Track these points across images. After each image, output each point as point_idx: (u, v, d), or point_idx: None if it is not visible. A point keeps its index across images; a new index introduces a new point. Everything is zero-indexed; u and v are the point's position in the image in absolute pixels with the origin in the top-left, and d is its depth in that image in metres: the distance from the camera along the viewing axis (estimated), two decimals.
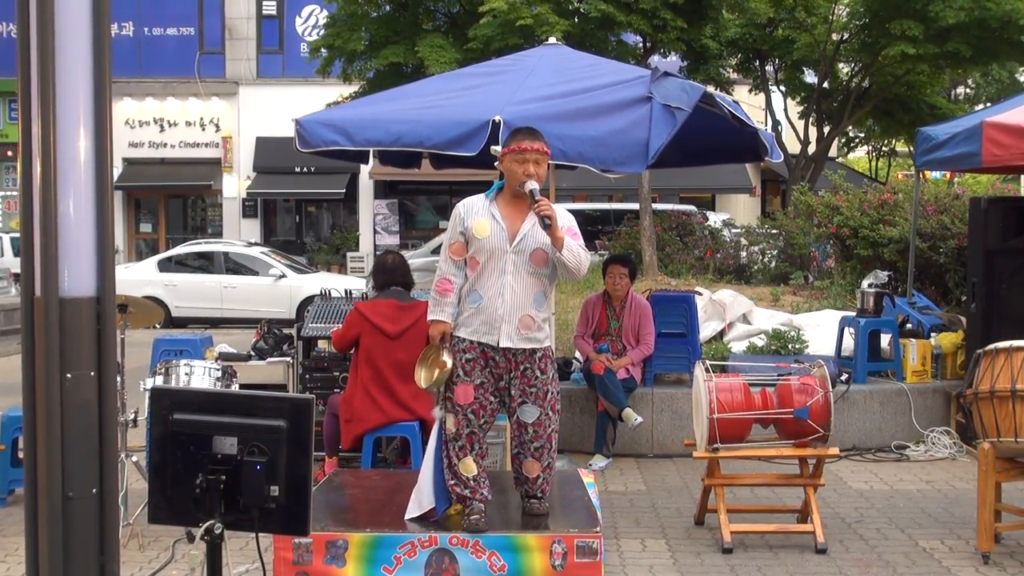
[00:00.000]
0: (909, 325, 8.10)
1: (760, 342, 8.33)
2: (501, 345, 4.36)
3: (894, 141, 25.49)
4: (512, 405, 4.45)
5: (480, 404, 4.41)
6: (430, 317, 4.50)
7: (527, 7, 13.34)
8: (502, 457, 6.07)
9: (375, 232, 24.90)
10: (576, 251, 4.37)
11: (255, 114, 24.42)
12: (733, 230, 16.33)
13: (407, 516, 4.43)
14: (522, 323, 4.37)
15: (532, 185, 4.35)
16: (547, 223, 4.26)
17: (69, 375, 2.57)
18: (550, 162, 6.07)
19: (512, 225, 4.41)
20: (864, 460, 7.14)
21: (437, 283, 4.49)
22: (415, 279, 6.34)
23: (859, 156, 32.88)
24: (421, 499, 4.45)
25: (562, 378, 7.23)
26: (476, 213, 4.45)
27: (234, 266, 17.32)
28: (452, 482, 4.45)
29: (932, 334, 8.03)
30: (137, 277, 16.54)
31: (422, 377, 4.51)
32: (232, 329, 15.21)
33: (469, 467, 4.42)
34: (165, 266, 17.32)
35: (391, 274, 6.04)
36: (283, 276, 16.80)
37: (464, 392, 4.39)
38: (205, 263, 17.57)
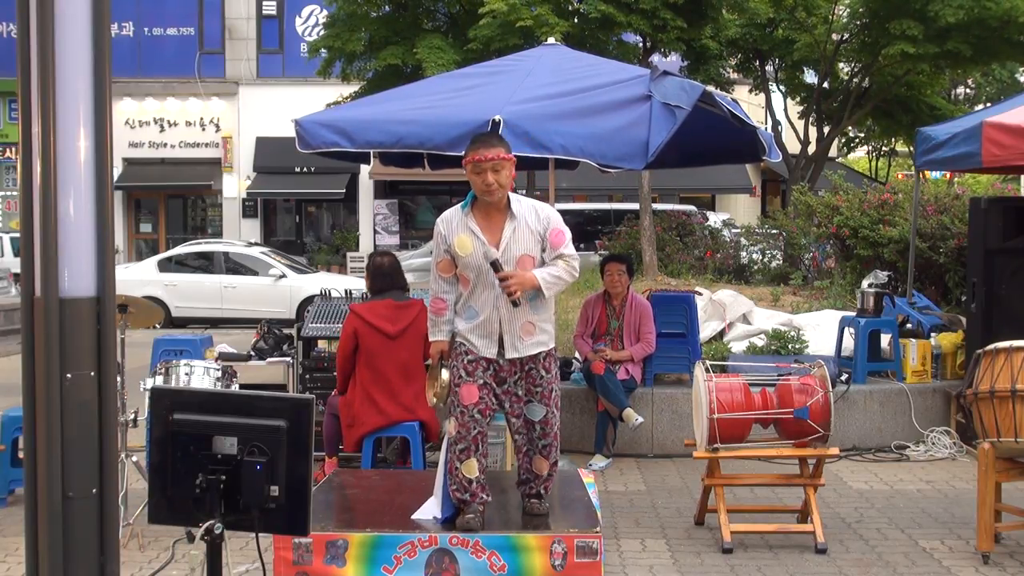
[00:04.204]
0: (909, 325, 8.10)
1: (760, 342, 8.33)
2: (507, 357, 4.37)
3: (894, 141, 25.48)
4: (518, 404, 4.45)
5: (485, 404, 4.39)
6: (430, 338, 4.56)
7: (527, 8, 13.34)
8: (502, 457, 6.07)
9: (375, 232, 24.90)
10: (557, 278, 4.34)
11: (255, 114, 24.41)
12: (733, 230, 16.35)
13: (417, 515, 4.45)
14: (524, 331, 4.38)
15: (492, 255, 4.29)
16: (516, 304, 4.26)
17: (69, 375, 2.57)
18: (552, 157, 6.12)
19: (492, 236, 4.36)
20: (864, 460, 7.14)
21: (432, 303, 4.52)
22: (415, 279, 6.32)
23: (859, 156, 32.87)
24: (436, 507, 4.46)
25: (562, 378, 7.24)
26: (455, 230, 4.40)
27: (234, 266, 17.33)
28: (453, 487, 4.44)
29: (932, 334, 8.03)
30: (137, 277, 16.55)
31: (432, 396, 4.56)
32: (232, 329, 15.21)
33: (472, 469, 4.38)
34: (165, 266, 17.33)
35: (382, 279, 6.00)
36: (283, 276, 16.80)
37: (468, 392, 4.36)
38: (205, 263, 17.58)
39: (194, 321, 16.66)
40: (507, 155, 4.34)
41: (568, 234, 4.45)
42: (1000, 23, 14.68)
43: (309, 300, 14.71)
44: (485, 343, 4.37)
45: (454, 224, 4.42)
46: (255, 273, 17.07)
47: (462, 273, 4.41)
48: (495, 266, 4.27)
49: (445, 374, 4.45)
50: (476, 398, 4.37)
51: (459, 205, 4.46)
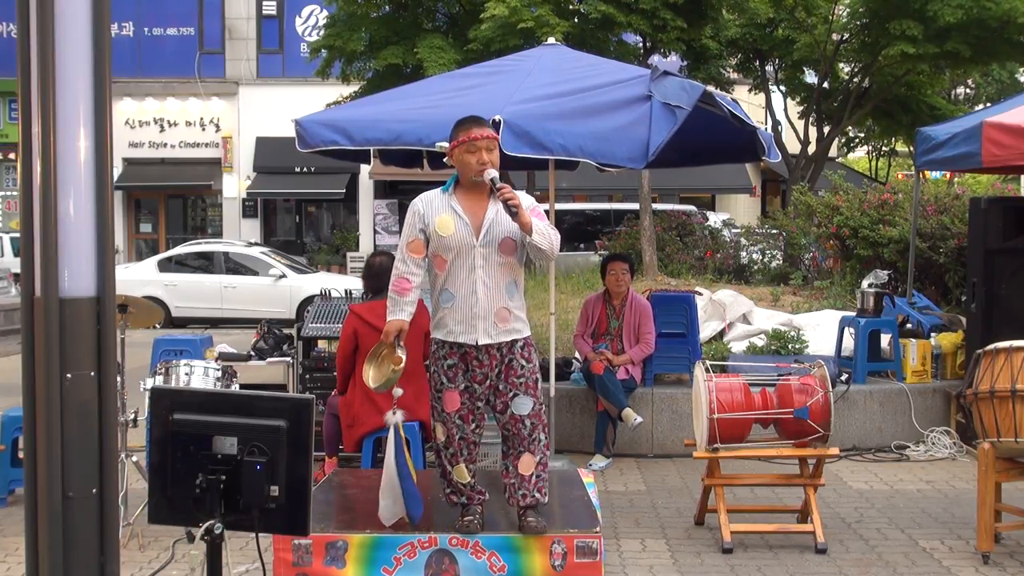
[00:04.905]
0: (909, 325, 8.10)
1: (760, 342, 8.33)
2: (481, 343, 4.27)
3: (894, 141, 25.48)
4: (503, 400, 4.35)
5: (468, 409, 4.35)
6: (388, 316, 4.38)
7: (527, 9, 13.33)
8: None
9: (375, 232, 24.90)
10: (546, 232, 4.27)
11: (255, 114, 24.42)
12: (733, 230, 16.35)
13: (386, 523, 4.32)
14: (498, 316, 4.29)
15: (492, 173, 4.24)
16: (513, 211, 4.14)
17: (69, 375, 2.57)
18: (551, 158, 6.12)
19: (475, 218, 4.30)
20: (864, 460, 7.14)
21: (395, 283, 4.38)
22: None
23: (859, 156, 32.88)
24: (391, 506, 4.32)
25: (562, 378, 7.25)
26: (437, 210, 4.33)
27: (234, 266, 17.33)
28: (448, 490, 4.42)
29: (932, 334, 8.03)
30: (137, 277, 16.55)
31: (371, 376, 4.39)
32: (232, 329, 15.21)
33: (462, 474, 4.37)
34: (165, 266, 17.33)
35: (378, 278, 6.01)
36: (283, 276, 16.80)
37: (450, 399, 4.33)
38: (205, 263, 17.58)
39: (194, 321, 16.66)
40: (496, 135, 4.36)
41: (546, 219, 4.44)
42: (1000, 23, 14.68)
43: (309, 300, 14.68)
44: (462, 327, 4.28)
45: (435, 204, 4.36)
46: (255, 273, 17.08)
47: (439, 254, 4.32)
48: (494, 182, 4.21)
49: (401, 352, 4.29)
50: (457, 404, 4.34)
51: (439, 188, 4.42)
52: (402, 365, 4.30)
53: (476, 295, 4.27)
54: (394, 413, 4.39)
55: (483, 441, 4.58)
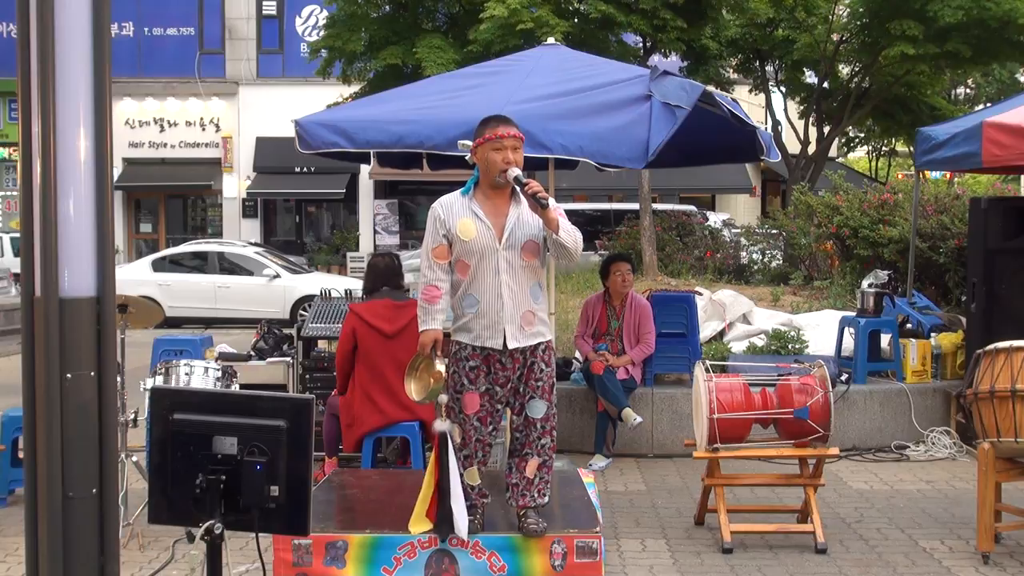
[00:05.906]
0: (909, 325, 8.10)
1: (760, 342, 8.32)
2: (509, 347, 4.27)
3: (894, 141, 25.49)
4: (520, 402, 4.35)
5: (487, 412, 4.34)
6: (421, 327, 4.34)
7: (527, 10, 13.33)
8: (502, 457, 6.07)
9: (375, 232, 24.90)
10: (571, 231, 4.26)
11: (255, 114, 24.42)
12: (733, 230, 16.37)
13: (466, 536, 4.20)
14: (524, 320, 4.29)
15: (515, 172, 4.22)
16: (544, 203, 4.12)
17: (69, 375, 2.57)
18: (550, 157, 6.12)
19: (497, 221, 4.28)
20: (864, 460, 7.14)
21: (424, 291, 4.33)
22: (416, 279, 6.33)
23: (859, 156, 32.88)
24: (460, 519, 4.21)
25: (562, 378, 7.24)
26: (457, 214, 4.30)
27: (228, 266, 17.31)
28: None
29: (932, 334, 8.03)
30: (131, 277, 16.49)
31: (413, 389, 4.35)
32: (232, 329, 15.21)
33: (474, 476, 4.37)
34: (159, 266, 17.30)
35: (376, 277, 6.03)
36: (277, 276, 16.78)
37: (471, 401, 4.32)
38: (199, 263, 17.56)
39: (188, 321, 16.63)
40: (522, 135, 4.34)
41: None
42: (1000, 23, 14.68)
43: (303, 300, 14.67)
44: (489, 332, 4.26)
45: (456, 208, 4.32)
46: (249, 273, 17.05)
47: (462, 259, 4.29)
48: (518, 180, 4.19)
49: (440, 365, 4.26)
50: (477, 407, 4.32)
51: (458, 191, 4.38)
52: (444, 378, 4.26)
53: (502, 299, 4.25)
54: (443, 420, 4.28)
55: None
